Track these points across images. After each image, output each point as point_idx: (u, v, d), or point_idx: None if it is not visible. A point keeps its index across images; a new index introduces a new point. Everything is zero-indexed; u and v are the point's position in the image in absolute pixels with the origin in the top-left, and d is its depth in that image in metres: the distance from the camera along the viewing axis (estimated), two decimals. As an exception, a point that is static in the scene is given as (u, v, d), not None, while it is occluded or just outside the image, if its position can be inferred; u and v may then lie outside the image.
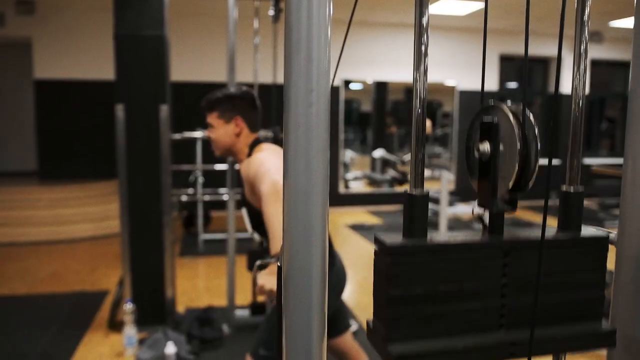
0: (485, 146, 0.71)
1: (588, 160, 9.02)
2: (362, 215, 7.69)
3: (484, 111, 0.75)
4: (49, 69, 6.74)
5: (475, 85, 8.27)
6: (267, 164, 1.76)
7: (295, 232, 0.54)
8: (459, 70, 8.14)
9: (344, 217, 7.20)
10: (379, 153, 9.21)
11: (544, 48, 8.49)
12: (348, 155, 8.95)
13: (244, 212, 2.03)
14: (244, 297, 3.93)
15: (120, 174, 3.26)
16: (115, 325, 3.36)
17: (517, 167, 0.69)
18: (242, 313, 3.50)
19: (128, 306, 3.09)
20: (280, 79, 3.52)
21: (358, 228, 6.64)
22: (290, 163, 0.53)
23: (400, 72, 7.98)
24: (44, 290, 4.20)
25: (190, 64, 6.88)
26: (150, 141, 3.30)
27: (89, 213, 6.15)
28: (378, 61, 7.80)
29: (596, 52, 8.62)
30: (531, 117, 0.71)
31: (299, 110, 0.52)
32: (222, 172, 5.91)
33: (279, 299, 0.65)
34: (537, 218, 7.46)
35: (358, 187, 8.89)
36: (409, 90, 11.79)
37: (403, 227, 0.71)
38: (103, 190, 6.56)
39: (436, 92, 12.62)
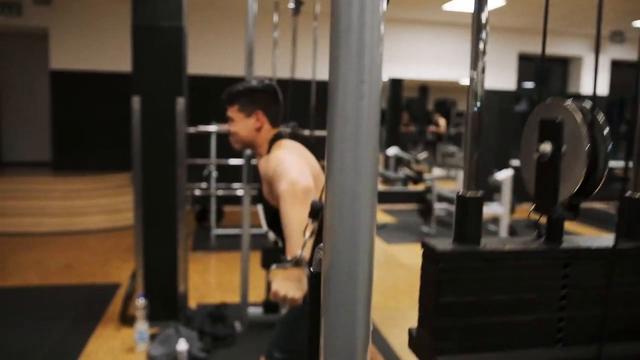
0: (546, 146, 0.64)
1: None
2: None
3: (543, 109, 0.68)
4: (65, 60, 6.74)
5: (494, 84, 8.15)
6: (286, 162, 1.70)
7: (341, 234, 0.49)
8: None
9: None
10: (392, 151, 9.12)
11: (563, 47, 8.35)
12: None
13: (259, 209, 1.98)
14: (256, 294, 3.89)
15: (135, 167, 3.23)
16: (126, 319, 3.34)
17: (583, 171, 0.63)
18: (255, 310, 3.46)
19: (140, 301, 3.06)
20: (299, 74, 3.48)
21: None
22: (336, 160, 0.48)
23: (415, 69, 7.88)
24: (56, 282, 4.19)
25: (205, 56, 6.84)
26: (166, 134, 3.26)
27: (102, 205, 6.15)
28: (395, 57, 7.71)
29: (617, 52, 8.46)
30: (600, 117, 0.64)
31: (348, 103, 0.47)
32: (236, 166, 5.88)
33: (314, 306, 0.59)
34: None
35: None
36: (422, 87, 11.72)
37: (454, 231, 0.65)
38: (116, 182, 6.56)
39: (451, 90, 12.53)
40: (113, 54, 6.75)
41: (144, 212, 3.27)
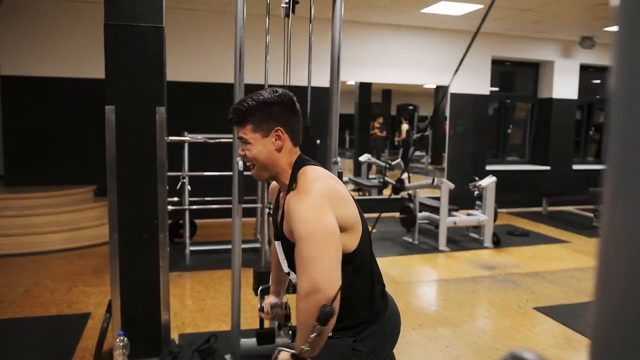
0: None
1: (576, 167, 8.94)
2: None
3: None
4: (17, 65, 6.17)
5: (468, 89, 8.05)
6: (314, 203, 1.41)
7: None
8: (450, 73, 7.91)
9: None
10: (365, 157, 8.89)
11: (535, 52, 8.36)
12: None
13: (277, 245, 1.65)
14: (245, 319, 3.55)
15: (109, 184, 2.84)
16: (102, 358, 2.93)
17: None
18: (248, 342, 3.11)
19: (120, 339, 2.67)
20: (294, 80, 3.17)
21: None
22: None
23: (383, 73, 7.68)
24: (14, 314, 3.71)
25: (177, 61, 6.42)
26: (145, 147, 2.89)
27: (62, 222, 5.63)
28: (363, 61, 7.48)
29: (587, 57, 8.54)
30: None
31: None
32: (210, 178, 5.51)
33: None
34: (529, 226, 7.28)
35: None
36: (385, 92, 11.57)
37: None
38: (77, 198, 6.04)
39: (413, 95, 12.42)
40: (71, 59, 6.23)
41: (120, 234, 2.88)
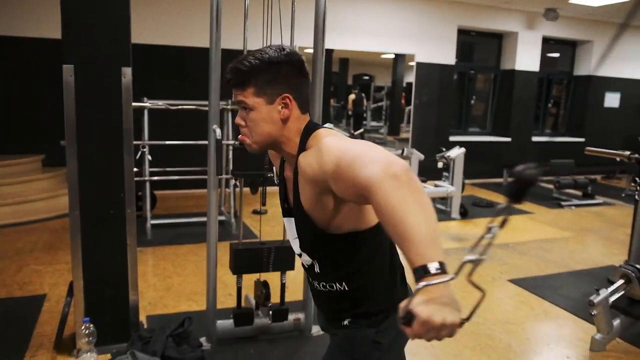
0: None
1: (535, 139, 9.07)
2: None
3: None
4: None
5: (434, 58, 7.94)
6: (356, 144, 1.14)
7: None
8: (418, 42, 7.76)
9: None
10: (328, 126, 8.70)
11: (499, 23, 8.31)
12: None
13: (288, 223, 1.44)
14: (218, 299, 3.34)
15: (68, 153, 2.52)
16: (64, 345, 2.67)
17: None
18: (225, 323, 2.91)
19: (85, 327, 2.41)
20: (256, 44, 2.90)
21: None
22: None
23: (344, 40, 7.44)
24: (-41, 297, 3.35)
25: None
26: (109, 111, 2.58)
27: (7, 195, 5.18)
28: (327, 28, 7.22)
29: (550, 29, 8.58)
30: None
31: None
32: (172, 147, 5.18)
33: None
34: (492, 196, 7.35)
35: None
36: (343, 61, 11.30)
37: None
38: (24, 168, 5.57)
39: (370, 64, 12.21)
40: (14, 15, 5.65)
41: (82, 209, 2.58)
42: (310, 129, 1.32)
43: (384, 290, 1.40)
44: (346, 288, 1.37)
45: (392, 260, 1.41)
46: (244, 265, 2.85)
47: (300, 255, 1.44)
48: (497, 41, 8.75)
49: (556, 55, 9.39)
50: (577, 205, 7.01)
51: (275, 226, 5.22)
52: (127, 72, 2.57)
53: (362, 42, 7.48)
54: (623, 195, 7.69)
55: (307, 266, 1.45)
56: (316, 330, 3.06)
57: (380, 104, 10.97)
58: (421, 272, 0.91)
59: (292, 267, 2.94)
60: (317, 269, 1.41)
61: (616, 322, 3.09)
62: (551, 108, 9.73)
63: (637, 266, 3.07)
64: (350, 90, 11.63)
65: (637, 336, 3.19)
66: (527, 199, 7.10)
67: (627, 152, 3.95)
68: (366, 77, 12.65)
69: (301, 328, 3.03)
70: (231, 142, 5.07)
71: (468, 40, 8.54)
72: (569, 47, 9.40)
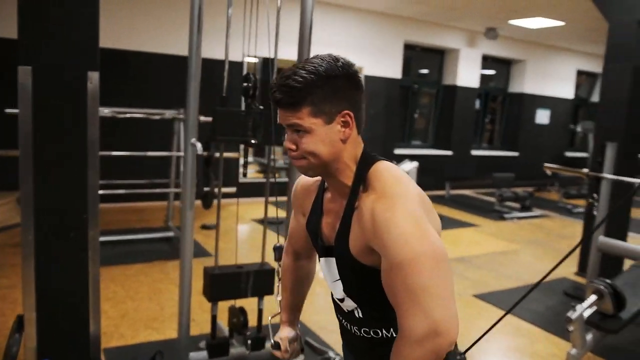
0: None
1: (474, 152, 9.37)
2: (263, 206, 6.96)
3: None
4: None
5: (381, 72, 7.99)
6: (414, 212, 1.04)
7: None
8: (365, 55, 7.77)
9: (247, 211, 6.39)
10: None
11: (442, 39, 8.52)
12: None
13: (325, 264, 1.26)
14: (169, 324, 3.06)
15: (22, 167, 2.18)
16: (11, 390, 2.30)
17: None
18: (198, 356, 2.65)
19: (45, 368, 2.08)
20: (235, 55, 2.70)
21: (266, 222, 5.91)
22: None
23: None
24: None
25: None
26: (73, 120, 2.27)
27: None
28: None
29: (490, 47, 8.92)
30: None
31: None
32: (118, 158, 4.79)
33: None
34: (436, 209, 7.46)
35: (253, 174, 8.11)
36: (278, 70, 11.18)
37: None
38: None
39: None
40: None
41: (36, 233, 2.24)
42: (368, 159, 1.16)
43: None
44: (393, 334, 1.21)
45: None
46: (221, 291, 2.62)
47: (342, 300, 1.26)
48: (439, 57, 8.97)
49: (492, 72, 9.78)
50: (518, 218, 7.27)
51: (228, 242, 4.96)
52: (94, 77, 2.28)
53: (311, 53, 7.38)
54: (569, 208, 8.08)
55: (346, 311, 1.28)
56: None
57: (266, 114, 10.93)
58: None
59: (271, 292, 2.74)
60: (359, 314, 1.24)
61: (589, 337, 3.14)
62: (488, 123, 10.11)
63: (608, 281, 3.14)
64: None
65: (605, 349, 3.26)
66: (470, 211, 7.28)
67: (585, 170, 4.10)
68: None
69: (279, 356, 2.83)
70: (181, 153, 4.78)
71: (413, 55, 8.69)
72: (505, 66, 9.82)
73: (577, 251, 4.84)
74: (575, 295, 4.16)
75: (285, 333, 1.45)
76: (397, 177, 1.11)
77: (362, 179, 1.14)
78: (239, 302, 2.77)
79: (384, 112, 8.17)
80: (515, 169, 9.05)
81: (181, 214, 2.53)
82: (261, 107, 2.57)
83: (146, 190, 5.21)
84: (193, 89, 2.43)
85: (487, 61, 9.30)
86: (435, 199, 8.26)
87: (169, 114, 4.73)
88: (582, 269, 4.70)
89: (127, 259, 4.40)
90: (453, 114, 8.89)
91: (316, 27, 8.05)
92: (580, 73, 10.59)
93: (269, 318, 1.53)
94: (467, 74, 8.84)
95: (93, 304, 2.43)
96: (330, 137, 1.10)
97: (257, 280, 2.67)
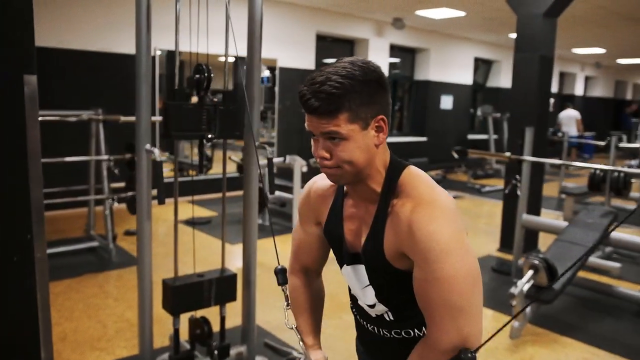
0: None
1: (388, 139, 9.67)
2: (189, 207, 6.68)
3: None
4: None
5: (294, 63, 7.97)
6: (456, 225, 1.05)
7: None
8: (279, 46, 7.70)
9: (168, 212, 6.11)
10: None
11: (352, 29, 8.67)
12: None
13: (353, 271, 1.24)
14: (128, 343, 2.86)
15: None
16: None
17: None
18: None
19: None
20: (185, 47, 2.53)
21: (194, 223, 5.70)
22: None
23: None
24: None
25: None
26: (8, 128, 2.02)
27: None
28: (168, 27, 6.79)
29: (397, 37, 9.22)
30: None
31: None
32: (50, 165, 4.33)
33: None
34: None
35: (170, 173, 7.77)
36: (181, 63, 10.79)
37: None
38: None
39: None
40: None
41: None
42: (397, 164, 1.15)
43: None
44: (425, 332, 1.23)
45: None
46: (183, 303, 2.48)
47: (372, 306, 1.25)
48: (349, 47, 9.12)
49: (398, 60, 10.14)
50: (435, 200, 7.65)
51: (156, 247, 4.71)
52: (32, 81, 2.03)
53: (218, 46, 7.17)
54: (476, 188, 8.61)
55: (375, 316, 1.27)
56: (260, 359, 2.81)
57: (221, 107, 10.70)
58: None
59: (234, 298, 2.64)
60: (389, 317, 1.24)
61: (527, 309, 3.40)
62: (397, 110, 10.49)
63: (541, 256, 3.41)
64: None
65: (540, 318, 3.54)
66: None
67: (508, 153, 4.39)
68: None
69: (245, 363, 2.75)
70: (104, 157, 4.47)
71: (325, 46, 8.75)
72: (410, 54, 10.23)
73: (499, 228, 5.19)
74: (502, 270, 4.47)
75: (319, 357, 1.34)
76: (430, 183, 1.12)
77: (393, 185, 1.13)
78: (199, 312, 2.65)
79: (299, 104, 8.16)
80: (425, 153, 9.49)
81: (137, 225, 2.35)
82: (215, 99, 2.45)
83: (59, 199, 4.78)
84: (144, 91, 2.26)
85: (394, 50, 9.62)
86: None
87: (85, 115, 4.37)
88: (503, 245, 5.05)
89: (51, 276, 3.97)
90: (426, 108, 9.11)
91: (210, 16, 7.81)
92: (477, 60, 11.31)
93: (300, 343, 1.42)
94: (377, 63, 9.03)
95: (44, 335, 2.20)
96: (366, 143, 1.08)
97: (220, 288, 2.56)
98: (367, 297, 1.24)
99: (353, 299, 1.33)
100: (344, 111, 1.04)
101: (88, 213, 4.89)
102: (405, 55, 10.15)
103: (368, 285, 1.21)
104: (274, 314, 3.45)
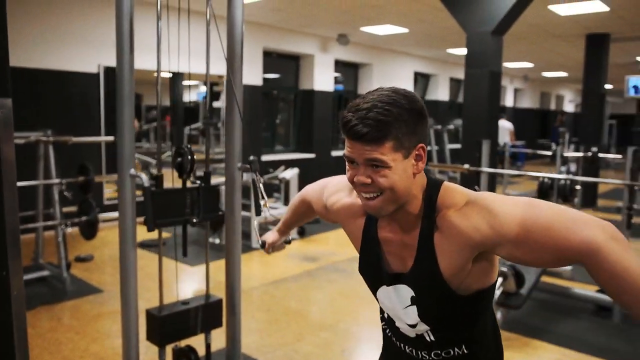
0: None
1: (334, 153, 9.78)
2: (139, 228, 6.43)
3: None
4: None
5: (244, 79, 7.88)
6: (536, 206, 1.07)
7: None
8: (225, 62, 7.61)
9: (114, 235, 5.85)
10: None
11: (297, 45, 8.73)
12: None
13: (394, 292, 1.24)
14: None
15: None
16: None
17: None
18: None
19: None
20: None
21: (149, 246, 5.48)
22: None
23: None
24: None
25: None
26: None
27: None
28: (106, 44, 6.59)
29: (341, 53, 9.37)
30: None
31: None
32: (24, 189, 4.01)
33: None
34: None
35: (112, 193, 7.44)
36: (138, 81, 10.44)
37: None
38: None
39: (139, 83, 11.56)
40: None
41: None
42: (433, 184, 1.17)
43: (495, 347, 1.35)
44: (465, 351, 1.26)
45: (493, 319, 1.36)
46: (170, 333, 2.36)
47: (413, 326, 1.25)
48: (295, 63, 9.17)
49: (338, 75, 10.30)
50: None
51: (113, 274, 4.49)
52: (7, 104, 1.89)
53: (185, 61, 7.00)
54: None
55: (414, 336, 1.27)
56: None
57: (153, 124, 10.42)
58: None
59: (219, 324, 2.55)
60: (430, 338, 1.25)
61: (498, 316, 3.52)
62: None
63: (508, 263, 3.55)
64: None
65: (510, 323, 3.68)
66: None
67: (466, 165, 4.55)
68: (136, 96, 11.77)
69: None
70: (56, 181, 4.23)
71: (270, 62, 8.75)
72: (353, 69, 10.42)
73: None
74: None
75: (273, 237, 1.75)
76: (465, 189, 1.16)
77: (433, 204, 1.15)
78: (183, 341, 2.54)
79: (248, 119, 8.10)
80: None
81: (121, 254, 2.22)
82: (198, 181, 2.44)
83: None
84: (127, 113, 2.15)
85: (338, 65, 9.77)
86: (305, 202, 8.45)
87: (34, 136, 4.11)
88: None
89: (40, 301, 3.74)
90: (313, 118, 9.17)
91: (177, 34, 7.59)
92: (416, 74, 11.69)
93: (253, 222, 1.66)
94: (323, 78, 9.18)
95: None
96: (407, 171, 1.10)
97: (205, 315, 2.47)
98: (410, 316, 1.23)
99: (390, 322, 1.33)
100: (391, 139, 1.05)
101: (36, 240, 4.58)
102: (348, 70, 10.34)
103: (410, 305, 1.21)
104: (256, 337, 3.36)
